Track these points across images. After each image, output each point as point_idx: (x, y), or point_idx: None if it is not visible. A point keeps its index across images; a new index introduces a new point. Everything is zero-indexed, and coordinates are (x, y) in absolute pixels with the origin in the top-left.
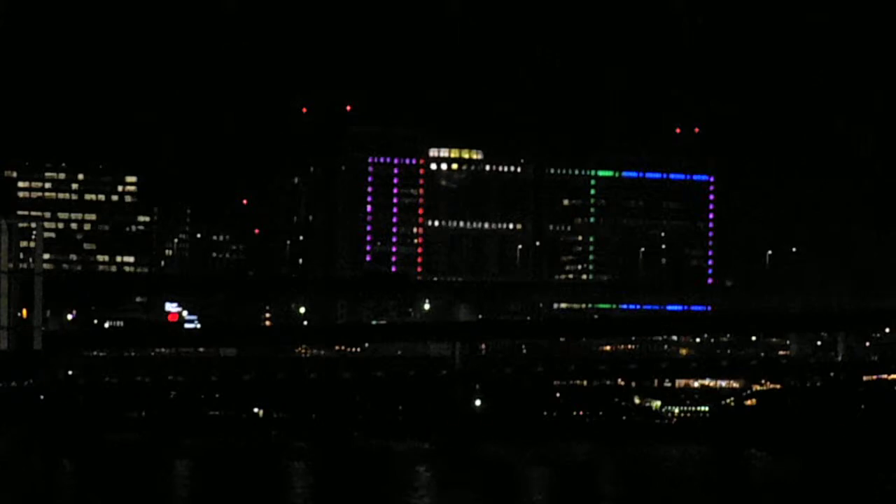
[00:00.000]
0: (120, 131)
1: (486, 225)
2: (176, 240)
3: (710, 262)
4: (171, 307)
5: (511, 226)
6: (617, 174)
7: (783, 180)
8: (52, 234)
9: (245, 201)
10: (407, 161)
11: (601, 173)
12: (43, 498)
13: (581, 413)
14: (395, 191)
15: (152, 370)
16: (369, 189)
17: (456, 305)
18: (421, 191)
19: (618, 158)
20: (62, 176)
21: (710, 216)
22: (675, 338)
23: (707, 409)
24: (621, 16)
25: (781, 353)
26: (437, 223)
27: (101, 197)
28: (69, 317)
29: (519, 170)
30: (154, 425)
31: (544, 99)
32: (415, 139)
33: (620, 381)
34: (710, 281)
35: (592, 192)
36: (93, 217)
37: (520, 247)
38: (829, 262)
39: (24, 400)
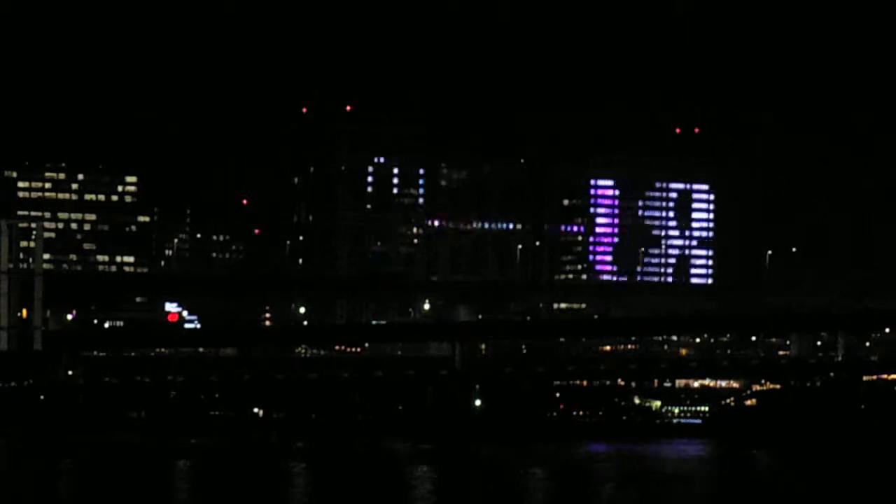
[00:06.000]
0: (120, 131)
1: (486, 225)
2: (176, 240)
3: (710, 263)
4: (171, 307)
5: (511, 226)
6: (617, 174)
7: (783, 180)
8: (52, 234)
9: (245, 201)
10: (407, 160)
11: (601, 173)
12: (43, 498)
13: (581, 413)
14: (395, 191)
15: (152, 370)
16: (369, 189)
17: (456, 305)
18: (421, 191)
19: (618, 158)
20: (62, 176)
21: (711, 216)
22: (675, 338)
23: (707, 409)
24: (621, 15)
25: (781, 353)
26: (437, 223)
27: (101, 197)
28: (69, 317)
29: (519, 170)
30: (154, 425)
31: (544, 98)
32: (414, 139)
33: (620, 381)
34: (710, 281)
35: (592, 191)
36: (93, 217)
37: (520, 247)
38: (828, 262)
39: (24, 400)
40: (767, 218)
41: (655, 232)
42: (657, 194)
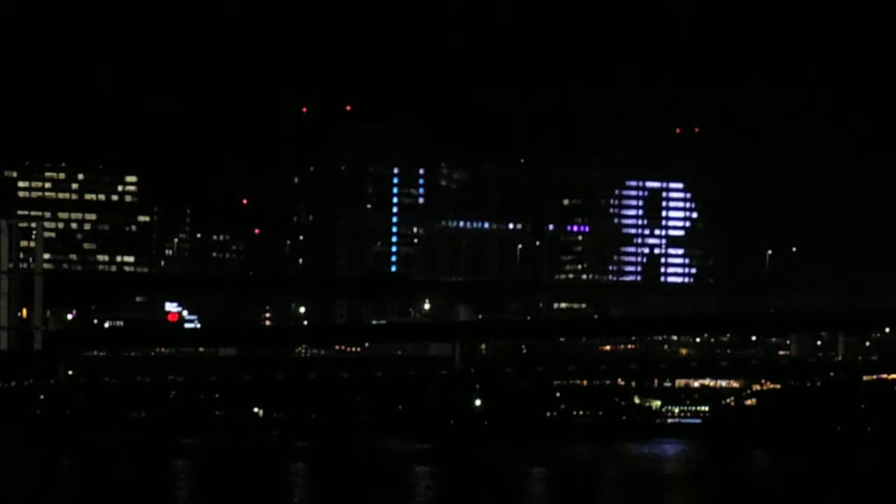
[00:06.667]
0: (120, 131)
1: (486, 225)
2: (176, 240)
3: (710, 262)
4: (171, 307)
5: (511, 226)
6: (617, 174)
7: (783, 180)
8: (52, 234)
9: (245, 201)
10: (407, 160)
11: (601, 173)
12: (43, 498)
13: (581, 413)
14: (394, 191)
15: (152, 370)
16: (369, 189)
17: (456, 305)
18: (421, 191)
19: (618, 158)
20: (62, 176)
21: (710, 216)
22: (675, 338)
23: (707, 408)
24: (621, 15)
25: (781, 353)
26: (436, 223)
27: (101, 197)
28: (69, 317)
29: (519, 170)
30: (154, 425)
31: (545, 98)
32: (415, 139)
33: (620, 381)
34: (710, 280)
35: (592, 191)
36: (93, 217)
37: (520, 247)
38: (828, 262)
39: (24, 400)
40: (767, 218)
41: (654, 231)
42: (657, 194)
